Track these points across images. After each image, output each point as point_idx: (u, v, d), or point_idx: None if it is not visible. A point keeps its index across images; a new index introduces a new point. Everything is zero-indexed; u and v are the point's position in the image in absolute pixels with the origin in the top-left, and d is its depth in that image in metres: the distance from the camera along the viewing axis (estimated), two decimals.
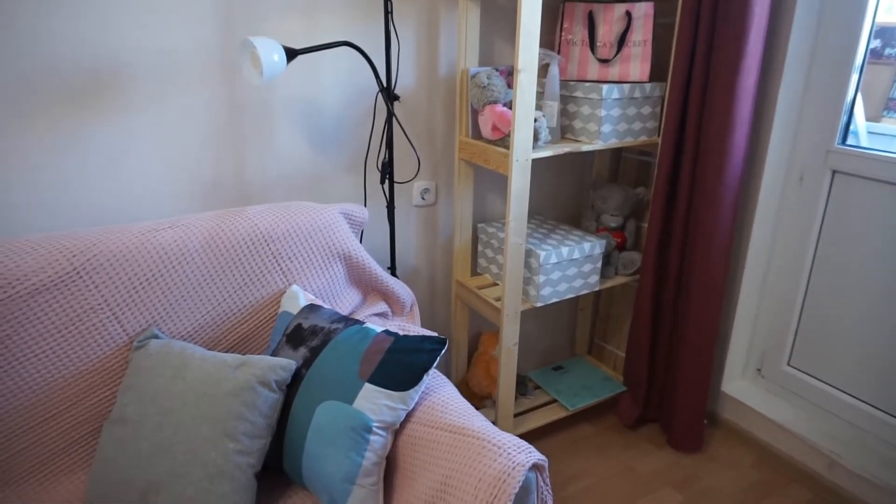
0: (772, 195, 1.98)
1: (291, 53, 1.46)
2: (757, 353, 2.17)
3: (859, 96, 1.83)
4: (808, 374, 2.04)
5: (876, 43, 1.88)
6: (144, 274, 1.31)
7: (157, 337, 1.32)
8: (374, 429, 1.20)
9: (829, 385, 1.98)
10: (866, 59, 1.79)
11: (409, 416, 1.28)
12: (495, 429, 1.16)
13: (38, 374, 1.23)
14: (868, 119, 1.91)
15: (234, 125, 1.64)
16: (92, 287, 1.27)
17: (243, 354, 1.41)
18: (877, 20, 1.75)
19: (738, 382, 2.20)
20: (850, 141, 1.86)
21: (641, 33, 1.84)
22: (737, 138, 1.76)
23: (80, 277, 1.25)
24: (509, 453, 1.08)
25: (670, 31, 1.99)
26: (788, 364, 2.09)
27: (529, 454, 1.09)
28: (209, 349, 1.41)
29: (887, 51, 1.94)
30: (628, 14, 1.84)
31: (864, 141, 1.89)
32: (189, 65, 1.54)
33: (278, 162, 1.73)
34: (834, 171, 1.86)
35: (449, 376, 2.24)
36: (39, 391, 1.24)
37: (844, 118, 1.83)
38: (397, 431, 1.27)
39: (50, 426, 1.25)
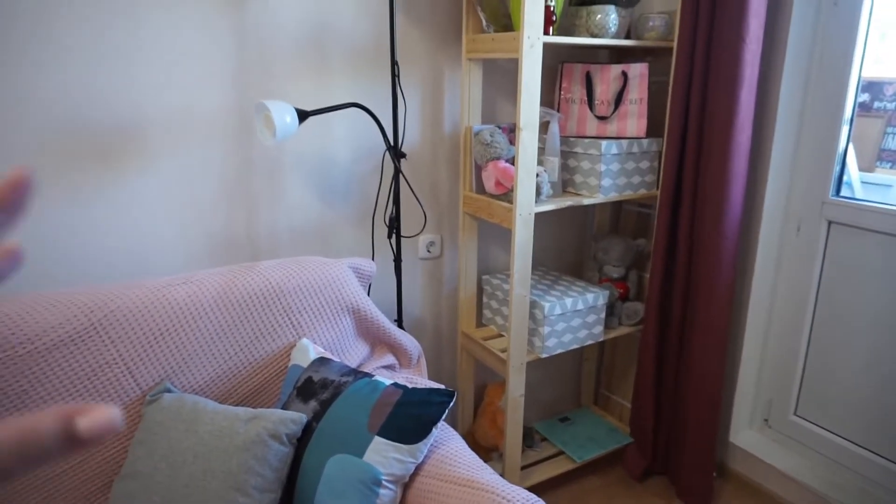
0: (770, 246, 2.02)
1: (303, 115, 1.53)
2: (763, 403, 2.17)
3: (851, 148, 1.89)
4: (814, 424, 2.03)
5: (864, 97, 1.95)
6: (159, 329, 1.35)
7: (169, 391, 1.34)
8: (384, 482, 1.21)
9: (836, 435, 1.97)
10: (855, 112, 1.85)
11: (418, 469, 1.29)
12: (505, 482, 1.17)
13: None
14: (861, 169, 1.97)
15: (247, 181, 1.70)
16: (108, 342, 1.29)
17: (254, 407, 1.42)
18: (863, 75, 1.82)
19: (746, 433, 2.19)
20: (844, 191, 1.91)
21: (637, 92, 1.91)
22: (733, 191, 1.81)
23: (97, 332, 1.29)
24: None
25: (665, 89, 2.07)
26: (795, 413, 2.09)
27: None
28: (220, 402, 1.43)
29: (876, 104, 2.02)
30: (624, 74, 1.92)
31: (859, 191, 1.95)
32: (204, 123, 1.61)
33: (289, 217, 1.78)
34: (830, 222, 1.91)
35: (455, 427, 2.23)
36: None
37: (837, 169, 1.88)
38: (406, 485, 1.28)
39: (62, 481, 1.26)
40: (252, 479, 1.19)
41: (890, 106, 2.00)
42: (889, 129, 2.00)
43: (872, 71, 1.85)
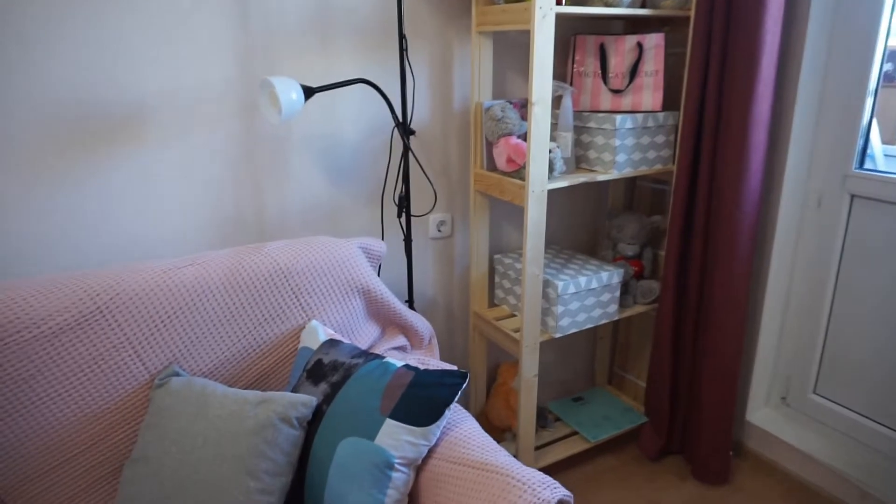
0: (790, 221, 1.96)
1: (309, 92, 1.49)
2: (781, 382, 2.13)
3: (874, 120, 1.83)
4: (834, 402, 1.99)
5: (888, 66, 1.88)
6: (166, 311, 1.32)
7: (178, 374, 1.32)
8: (397, 465, 1.19)
9: (857, 413, 1.93)
10: (880, 83, 1.78)
11: (431, 451, 1.26)
12: (519, 464, 1.15)
13: (60, 414, 1.23)
14: (884, 142, 1.90)
15: (254, 161, 1.66)
16: (114, 325, 1.27)
17: (264, 391, 1.40)
18: (889, 44, 1.75)
19: (763, 411, 2.15)
20: (867, 164, 1.85)
21: (653, 63, 1.85)
22: (753, 164, 1.76)
23: (103, 316, 1.27)
24: (534, 489, 1.06)
25: (682, 60, 2.01)
26: (814, 392, 2.05)
27: (555, 490, 1.07)
28: (230, 385, 1.41)
29: None
30: (639, 45, 1.86)
31: (882, 164, 1.88)
32: (209, 103, 1.57)
33: (297, 197, 1.74)
34: (853, 196, 1.85)
35: (468, 408, 2.22)
36: (62, 430, 1.24)
37: (861, 142, 1.82)
38: (419, 468, 1.26)
39: (71, 466, 1.25)
40: (262, 463, 1.18)
41: None
42: None
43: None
